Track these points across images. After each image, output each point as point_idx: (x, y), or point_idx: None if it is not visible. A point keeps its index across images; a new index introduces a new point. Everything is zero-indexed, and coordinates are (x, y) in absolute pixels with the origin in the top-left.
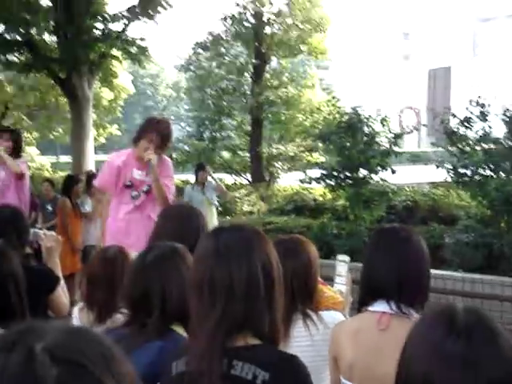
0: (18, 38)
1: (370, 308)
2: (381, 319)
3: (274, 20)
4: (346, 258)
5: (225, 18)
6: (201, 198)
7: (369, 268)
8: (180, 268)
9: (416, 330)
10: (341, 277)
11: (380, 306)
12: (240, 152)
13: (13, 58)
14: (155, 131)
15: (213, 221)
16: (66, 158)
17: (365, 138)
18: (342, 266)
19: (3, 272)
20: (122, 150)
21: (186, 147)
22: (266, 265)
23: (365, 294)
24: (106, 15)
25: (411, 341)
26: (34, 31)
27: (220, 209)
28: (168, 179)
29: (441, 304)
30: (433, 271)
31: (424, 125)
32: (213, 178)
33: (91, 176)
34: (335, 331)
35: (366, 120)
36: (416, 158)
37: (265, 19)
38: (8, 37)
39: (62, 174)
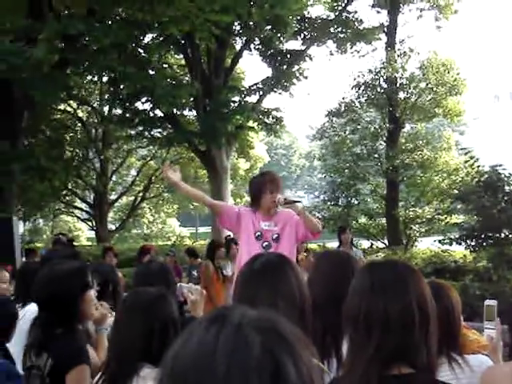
0: (161, 113)
1: None
2: None
3: (407, 85)
4: (494, 302)
5: (358, 85)
6: None
7: None
8: (289, 276)
9: None
10: (490, 322)
11: None
12: (376, 216)
13: (156, 133)
14: (268, 182)
15: None
16: (203, 229)
17: (505, 197)
18: (491, 310)
19: (165, 316)
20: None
21: (319, 215)
22: (421, 300)
23: None
24: (242, 88)
25: None
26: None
27: None
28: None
29: None
30: None
31: None
32: (352, 244)
33: (230, 241)
34: (488, 374)
35: (506, 179)
36: None
37: (398, 84)
38: (151, 113)
39: (202, 242)
